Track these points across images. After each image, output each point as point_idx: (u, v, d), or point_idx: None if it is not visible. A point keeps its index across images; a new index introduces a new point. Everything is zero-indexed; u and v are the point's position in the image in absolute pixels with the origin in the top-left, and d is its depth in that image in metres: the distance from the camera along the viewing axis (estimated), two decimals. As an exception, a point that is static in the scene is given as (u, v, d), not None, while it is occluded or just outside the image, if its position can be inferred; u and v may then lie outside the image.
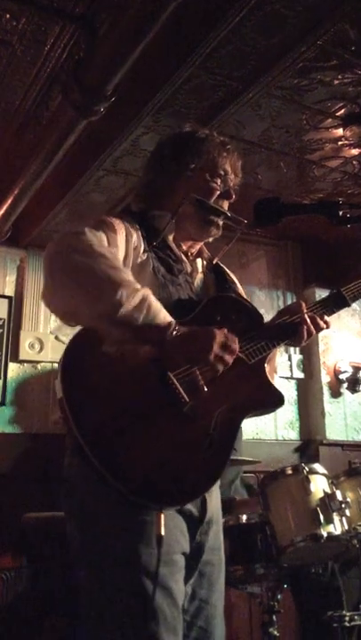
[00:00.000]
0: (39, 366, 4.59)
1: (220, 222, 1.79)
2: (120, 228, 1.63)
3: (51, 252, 1.51)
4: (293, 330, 1.73)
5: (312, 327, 1.74)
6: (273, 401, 1.66)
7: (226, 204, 1.81)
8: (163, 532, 1.41)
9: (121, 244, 1.61)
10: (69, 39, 2.95)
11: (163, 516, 1.43)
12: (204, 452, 1.50)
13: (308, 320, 1.74)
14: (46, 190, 3.97)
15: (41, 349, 4.55)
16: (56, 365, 4.55)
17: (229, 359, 1.49)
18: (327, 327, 1.79)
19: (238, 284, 1.93)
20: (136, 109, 3.26)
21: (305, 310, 1.76)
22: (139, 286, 1.46)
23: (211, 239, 1.85)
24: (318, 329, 1.77)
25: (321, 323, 1.77)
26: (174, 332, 1.44)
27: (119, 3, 2.54)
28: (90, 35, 2.82)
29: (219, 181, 1.77)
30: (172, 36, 2.76)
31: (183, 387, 1.49)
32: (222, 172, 1.77)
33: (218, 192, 1.77)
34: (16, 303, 4.62)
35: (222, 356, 1.48)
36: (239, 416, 1.60)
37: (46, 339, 4.59)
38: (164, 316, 1.47)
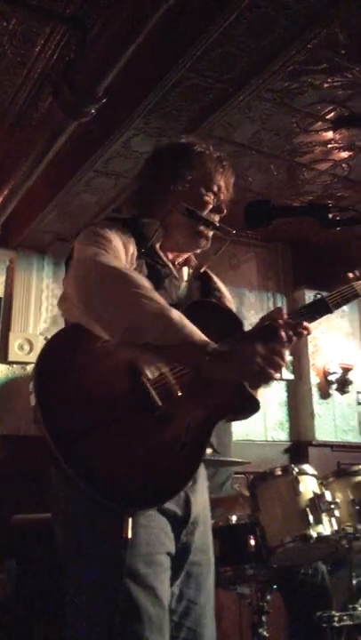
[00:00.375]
0: (28, 367, 4.57)
1: (210, 234, 1.81)
2: (118, 241, 1.65)
3: (81, 287, 1.55)
4: (272, 336, 1.74)
5: (290, 333, 1.74)
6: (247, 407, 1.66)
7: (217, 218, 1.83)
8: (130, 535, 1.42)
9: (121, 253, 1.64)
10: (60, 40, 2.95)
11: (130, 519, 1.44)
12: (176, 455, 1.51)
13: (286, 326, 1.75)
14: (36, 191, 3.97)
15: (30, 350, 4.53)
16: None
17: (275, 373, 1.51)
18: (308, 333, 1.78)
19: (226, 292, 1.93)
20: (127, 111, 3.26)
21: (284, 316, 1.77)
22: (159, 304, 1.48)
23: (199, 251, 1.86)
24: (298, 335, 1.77)
25: (300, 329, 1.76)
26: (210, 352, 1.47)
27: (110, 4, 2.54)
28: (81, 36, 2.83)
29: (212, 196, 1.79)
30: (163, 38, 2.77)
31: (157, 391, 1.50)
32: (216, 187, 1.79)
33: (210, 206, 1.79)
34: (5, 304, 4.61)
35: (268, 369, 1.50)
36: (213, 420, 1.60)
37: (36, 340, 4.57)
38: (191, 334, 1.48)
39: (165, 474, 1.50)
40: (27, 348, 4.53)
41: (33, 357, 4.52)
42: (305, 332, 1.76)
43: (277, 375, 1.51)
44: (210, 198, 1.78)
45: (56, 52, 3.03)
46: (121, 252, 1.62)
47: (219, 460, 2.52)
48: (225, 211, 1.82)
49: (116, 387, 1.50)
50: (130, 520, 1.43)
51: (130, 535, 1.42)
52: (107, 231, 1.65)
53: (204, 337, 1.48)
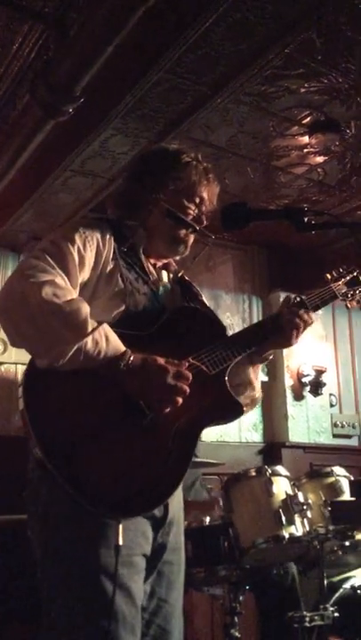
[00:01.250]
0: (2, 367, 4.53)
1: (190, 240, 1.83)
2: (91, 243, 1.65)
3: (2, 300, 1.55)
4: (276, 325, 1.79)
5: (296, 319, 1.79)
6: (232, 412, 1.69)
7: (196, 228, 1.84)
8: (121, 542, 1.44)
9: (88, 261, 1.63)
10: (38, 38, 2.93)
11: (121, 526, 1.45)
12: (164, 462, 1.53)
13: (291, 314, 1.80)
14: (12, 189, 3.93)
15: (4, 350, 4.49)
16: (20, 367, 4.51)
17: (179, 400, 1.52)
18: (311, 323, 1.83)
19: (202, 297, 1.96)
20: (105, 111, 3.25)
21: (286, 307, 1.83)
22: (79, 331, 1.46)
23: (178, 257, 1.88)
24: (304, 323, 1.81)
25: (306, 316, 1.81)
26: (124, 365, 1.49)
27: (89, 4, 2.54)
28: (59, 35, 2.81)
29: (193, 207, 1.80)
30: (142, 39, 2.77)
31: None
32: (198, 199, 1.80)
33: (190, 217, 1.80)
34: (-21, 303, 4.55)
35: (171, 398, 1.51)
36: (199, 426, 1.63)
37: (10, 340, 4.53)
38: (114, 350, 1.49)
39: (153, 481, 1.51)
40: (1, 347, 4.49)
41: (7, 357, 4.48)
42: (310, 321, 1.82)
43: (169, 405, 1.51)
44: (191, 210, 1.79)
45: (34, 51, 3.01)
46: (75, 265, 1.60)
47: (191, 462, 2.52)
48: (205, 222, 1.83)
49: (103, 395, 1.51)
50: (120, 527, 1.45)
51: (121, 542, 1.44)
52: (83, 231, 1.65)
53: (121, 350, 1.50)
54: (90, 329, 1.46)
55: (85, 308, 1.49)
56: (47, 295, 1.46)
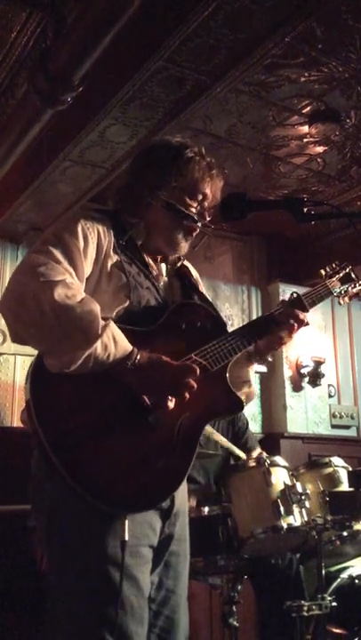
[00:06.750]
0: (1, 358, 4.53)
1: (191, 236, 1.81)
2: (92, 236, 1.64)
3: (9, 297, 1.54)
4: (271, 323, 1.81)
5: (291, 320, 1.80)
6: (233, 407, 1.73)
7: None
8: (127, 537, 1.45)
9: (90, 254, 1.63)
10: (36, 27, 2.91)
11: (127, 521, 1.46)
12: (168, 458, 1.54)
13: (287, 315, 1.81)
14: (11, 180, 3.91)
15: (4, 341, 4.49)
16: (19, 358, 4.51)
17: (187, 395, 1.55)
18: (306, 323, 1.85)
19: (201, 284, 1.95)
20: (104, 100, 3.23)
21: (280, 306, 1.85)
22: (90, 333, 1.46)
23: (177, 255, 1.86)
24: (299, 323, 1.82)
25: (301, 316, 1.82)
26: (131, 364, 1.50)
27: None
28: (58, 23, 2.79)
29: (195, 204, 1.78)
30: (141, 27, 2.75)
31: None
32: (201, 196, 1.79)
33: (193, 214, 1.78)
34: (-22, 294, 4.55)
35: (180, 392, 1.54)
36: (202, 421, 1.65)
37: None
38: (122, 351, 1.50)
39: (160, 475, 1.53)
40: (0, 338, 4.49)
41: (6, 348, 4.48)
42: (305, 320, 1.85)
43: (177, 399, 1.54)
44: (193, 207, 1.78)
45: (32, 39, 2.98)
46: (82, 258, 1.60)
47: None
48: (207, 218, 1.82)
49: (109, 391, 1.52)
50: (126, 522, 1.46)
51: (127, 537, 1.45)
52: (85, 222, 1.64)
53: (128, 349, 1.51)
54: (100, 331, 1.46)
55: (96, 309, 1.49)
56: (60, 297, 1.46)
